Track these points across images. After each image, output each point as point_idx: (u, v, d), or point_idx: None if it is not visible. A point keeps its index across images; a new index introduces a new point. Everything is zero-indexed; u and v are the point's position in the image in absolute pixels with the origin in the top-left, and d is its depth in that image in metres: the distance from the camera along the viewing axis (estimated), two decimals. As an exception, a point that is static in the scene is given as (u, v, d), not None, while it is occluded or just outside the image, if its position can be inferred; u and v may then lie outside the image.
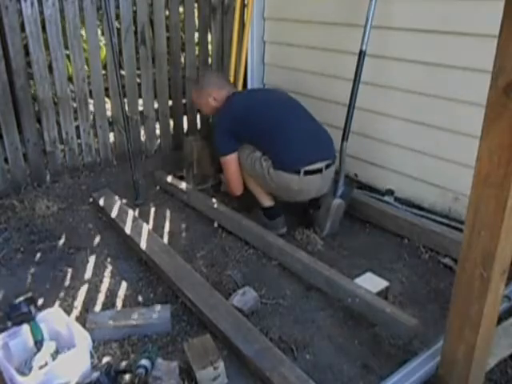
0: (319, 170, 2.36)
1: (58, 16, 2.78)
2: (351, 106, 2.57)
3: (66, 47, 2.93)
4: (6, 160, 2.87)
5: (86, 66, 3.05)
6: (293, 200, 2.48)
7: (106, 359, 1.72)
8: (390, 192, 2.78)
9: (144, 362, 1.59)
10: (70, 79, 3.01)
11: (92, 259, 2.34)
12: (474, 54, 2.20)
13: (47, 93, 2.88)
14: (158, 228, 2.62)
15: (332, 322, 1.92)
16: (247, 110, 2.49)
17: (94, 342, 1.68)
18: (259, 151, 2.42)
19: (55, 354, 1.61)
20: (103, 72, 3.16)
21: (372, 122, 2.78)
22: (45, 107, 2.90)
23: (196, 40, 3.49)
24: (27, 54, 2.79)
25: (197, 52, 3.49)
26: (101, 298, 2.08)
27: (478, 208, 1.20)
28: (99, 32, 3.19)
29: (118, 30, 3.14)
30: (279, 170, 2.33)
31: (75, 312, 1.99)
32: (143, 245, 2.28)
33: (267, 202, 2.54)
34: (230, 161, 2.51)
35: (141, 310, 1.91)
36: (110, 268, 2.28)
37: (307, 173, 2.32)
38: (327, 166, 2.39)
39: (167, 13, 3.25)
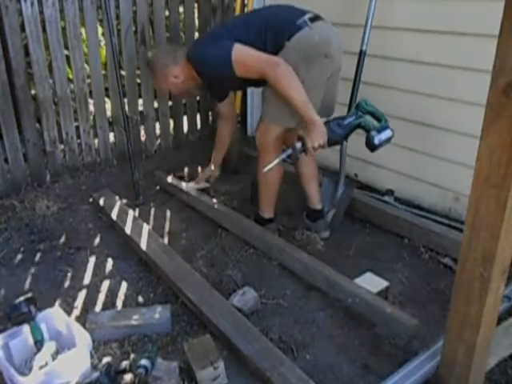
0: (315, 18, 2.19)
1: (57, 16, 2.79)
2: (351, 106, 2.57)
3: (66, 47, 2.93)
4: (6, 160, 2.87)
5: (86, 66, 3.05)
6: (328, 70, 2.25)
7: (105, 359, 1.72)
8: (390, 192, 2.78)
9: (144, 361, 1.58)
10: (69, 79, 3.01)
11: (92, 259, 2.35)
12: (474, 54, 2.20)
13: (47, 93, 2.88)
14: (158, 228, 2.62)
15: (332, 322, 1.92)
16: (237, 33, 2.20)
17: (94, 342, 1.69)
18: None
19: (55, 354, 1.61)
20: (103, 72, 3.16)
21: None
22: (45, 107, 2.90)
23: (196, 40, 3.49)
24: (27, 54, 2.79)
25: (197, 52, 3.49)
26: (101, 298, 2.08)
27: (478, 208, 1.20)
28: (99, 32, 3.19)
29: (118, 30, 3.15)
30: (290, 38, 2.12)
31: (75, 312, 1.99)
32: (143, 245, 2.28)
33: (267, 213, 2.48)
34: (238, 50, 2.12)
35: (141, 310, 1.91)
36: (109, 268, 2.28)
37: (311, 20, 2.16)
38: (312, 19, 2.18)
39: (167, 13, 3.25)
